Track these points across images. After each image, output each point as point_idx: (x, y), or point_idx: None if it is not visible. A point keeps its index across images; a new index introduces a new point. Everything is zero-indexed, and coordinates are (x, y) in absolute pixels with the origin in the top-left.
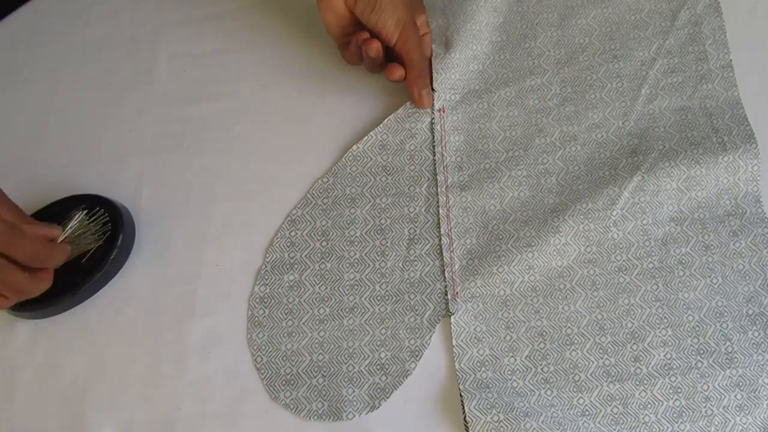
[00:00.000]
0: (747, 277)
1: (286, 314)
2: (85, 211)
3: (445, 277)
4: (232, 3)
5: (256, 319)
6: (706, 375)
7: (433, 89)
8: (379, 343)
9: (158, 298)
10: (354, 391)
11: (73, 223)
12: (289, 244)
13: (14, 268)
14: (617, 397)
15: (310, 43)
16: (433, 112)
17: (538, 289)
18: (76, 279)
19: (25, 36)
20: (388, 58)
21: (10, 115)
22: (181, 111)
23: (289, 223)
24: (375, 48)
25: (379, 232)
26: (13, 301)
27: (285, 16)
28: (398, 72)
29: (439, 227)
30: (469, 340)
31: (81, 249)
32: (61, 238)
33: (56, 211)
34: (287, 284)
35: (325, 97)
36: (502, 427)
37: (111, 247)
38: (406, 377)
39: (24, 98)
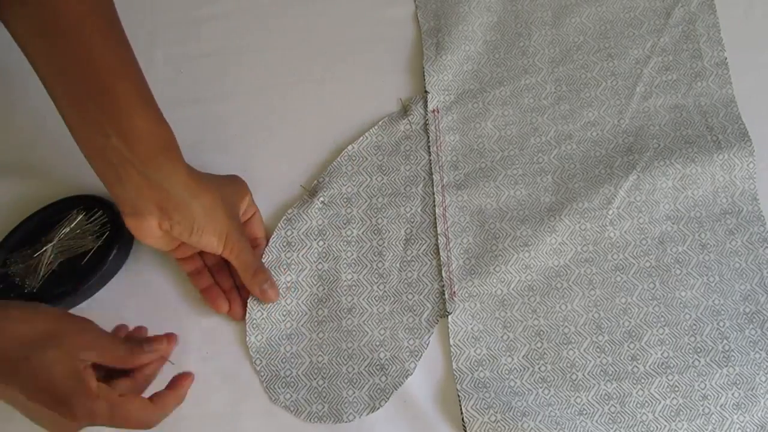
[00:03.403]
0: (743, 276)
1: (284, 316)
2: (84, 212)
3: (442, 277)
4: (229, 4)
5: (254, 321)
6: (704, 373)
7: (426, 91)
8: (378, 343)
9: (158, 298)
10: (354, 393)
11: (72, 223)
12: (285, 243)
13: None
14: (614, 396)
15: (307, 44)
16: (426, 114)
17: (535, 288)
18: (76, 279)
19: None
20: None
21: (9, 115)
22: (178, 112)
23: (285, 222)
24: (224, 306)
25: (375, 232)
26: None
27: (281, 18)
28: (224, 307)
29: (436, 227)
30: (467, 339)
31: (80, 249)
32: (59, 239)
33: (56, 211)
34: (284, 285)
35: (321, 98)
36: (499, 426)
37: (110, 248)
38: (406, 377)
39: (24, 98)
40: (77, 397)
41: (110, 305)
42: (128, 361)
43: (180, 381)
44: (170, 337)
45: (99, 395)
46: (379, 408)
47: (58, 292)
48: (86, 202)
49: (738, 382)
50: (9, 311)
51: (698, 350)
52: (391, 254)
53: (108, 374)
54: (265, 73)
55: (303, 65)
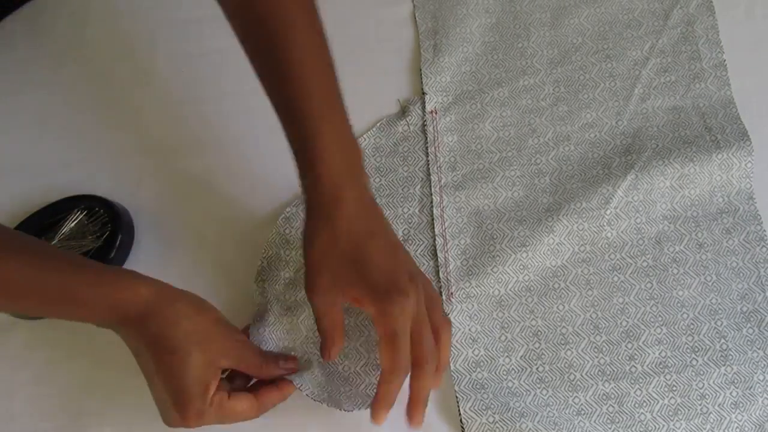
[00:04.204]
0: (740, 275)
1: (285, 311)
2: (84, 212)
3: (440, 278)
4: None
5: (259, 314)
6: (701, 373)
7: (423, 92)
8: (374, 343)
9: None
10: (350, 389)
11: (72, 223)
12: (284, 241)
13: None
14: (612, 396)
15: None
16: (425, 115)
17: (532, 288)
18: None
19: (25, 36)
20: None
21: (10, 115)
22: (179, 111)
23: (284, 220)
24: None
25: None
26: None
27: None
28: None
29: (433, 228)
30: (464, 340)
31: (80, 249)
32: (59, 239)
33: (56, 211)
34: (283, 281)
35: None
36: (498, 427)
37: (110, 248)
38: None
39: (24, 98)
40: (194, 402)
41: None
42: (260, 371)
43: (287, 385)
44: (295, 360)
45: (213, 403)
46: None
47: None
48: (86, 202)
49: (736, 381)
50: (178, 307)
51: (696, 349)
52: None
53: None
54: None
55: None
